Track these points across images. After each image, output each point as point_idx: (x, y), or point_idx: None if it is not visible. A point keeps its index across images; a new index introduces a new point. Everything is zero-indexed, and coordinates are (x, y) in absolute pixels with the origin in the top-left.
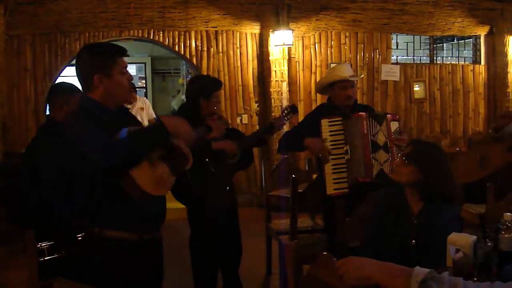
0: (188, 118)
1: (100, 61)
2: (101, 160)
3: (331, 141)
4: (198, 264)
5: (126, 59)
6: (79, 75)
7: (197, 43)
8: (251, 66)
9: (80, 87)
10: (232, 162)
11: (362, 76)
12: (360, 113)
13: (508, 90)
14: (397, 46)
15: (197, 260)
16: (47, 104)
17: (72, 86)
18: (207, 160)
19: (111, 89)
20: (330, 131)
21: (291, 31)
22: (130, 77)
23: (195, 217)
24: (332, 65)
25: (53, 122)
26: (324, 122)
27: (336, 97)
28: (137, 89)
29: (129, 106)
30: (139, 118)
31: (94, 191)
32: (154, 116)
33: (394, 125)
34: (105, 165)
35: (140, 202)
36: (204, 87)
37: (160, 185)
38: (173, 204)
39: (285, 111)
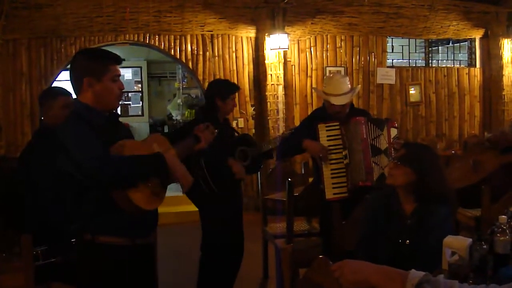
0: (206, 118)
1: (93, 65)
2: (95, 169)
3: (328, 146)
4: (211, 267)
5: (122, 63)
6: (71, 78)
7: (193, 47)
8: (247, 70)
9: (72, 91)
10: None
11: (357, 90)
12: (358, 117)
13: (503, 93)
14: (392, 49)
15: (211, 263)
16: (40, 108)
17: (62, 89)
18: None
19: (100, 94)
20: (328, 136)
21: (286, 34)
22: (122, 86)
23: (210, 218)
24: (329, 69)
25: (47, 126)
26: (321, 127)
27: (329, 108)
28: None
29: None
30: None
31: (86, 197)
32: None
33: (393, 132)
34: (99, 176)
35: (132, 215)
36: (221, 89)
37: (152, 200)
38: (167, 209)
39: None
